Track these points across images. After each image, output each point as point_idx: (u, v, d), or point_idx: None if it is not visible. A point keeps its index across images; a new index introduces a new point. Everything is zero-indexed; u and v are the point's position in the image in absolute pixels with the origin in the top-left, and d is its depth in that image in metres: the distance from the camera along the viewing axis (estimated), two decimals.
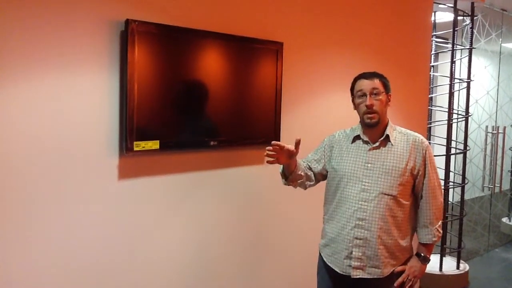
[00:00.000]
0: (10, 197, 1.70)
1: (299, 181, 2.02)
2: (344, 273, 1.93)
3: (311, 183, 2.09)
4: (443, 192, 1.98)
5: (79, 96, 1.83)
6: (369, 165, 1.92)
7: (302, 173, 2.02)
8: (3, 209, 1.69)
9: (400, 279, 1.93)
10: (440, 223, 1.94)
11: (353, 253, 1.90)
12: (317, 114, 2.75)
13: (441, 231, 1.95)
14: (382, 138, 1.93)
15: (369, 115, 1.90)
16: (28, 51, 1.70)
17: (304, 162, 2.11)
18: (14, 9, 1.66)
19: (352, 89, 2.00)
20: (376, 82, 1.92)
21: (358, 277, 1.90)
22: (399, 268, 1.93)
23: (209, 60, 2.16)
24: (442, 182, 3.82)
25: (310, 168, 2.11)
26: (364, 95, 1.91)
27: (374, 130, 1.94)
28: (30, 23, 1.70)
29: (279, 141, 2.41)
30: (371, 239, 1.88)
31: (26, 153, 1.72)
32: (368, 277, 1.90)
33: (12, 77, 1.67)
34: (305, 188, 2.09)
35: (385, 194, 1.88)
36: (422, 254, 1.96)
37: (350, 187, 1.94)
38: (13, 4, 1.66)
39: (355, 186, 1.92)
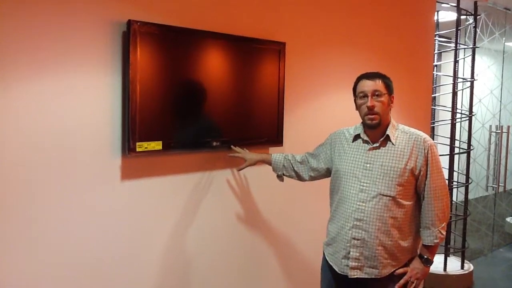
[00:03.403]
0: (12, 198, 1.70)
1: (290, 177, 2.26)
2: (342, 273, 1.93)
3: (306, 178, 2.21)
4: (448, 193, 1.94)
5: (81, 97, 1.84)
6: (368, 165, 1.90)
7: (287, 174, 2.23)
8: (6, 210, 1.69)
9: (401, 281, 1.90)
10: (444, 224, 1.90)
11: (351, 253, 1.89)
12: (320, 114, 2.75)
13: (445, 233, 1.91)
14: (382, 138, 1.91)
15: (370, 116, 1.87)
16: (30, 52, 1.70)
17: (298, 157, 2.22)
18: (16, 10, 1.66)
19: (354, 89, 1.97)
20: (378, 83, 1.89)
21: (355, 277, 1.89)
22: (400, 271, 1.91)
23: (211, 60, 2.15)
24: (446, 182, 3.81)
25: (306, 162, 2.19)
26: (366, 96, 1.88)
27: (375, 131, 1.92)
28: (32, 24, 1.70)
29: (282, 141, 2.44)
30: (369, 239, 1.86)
31: (29, 153, 1.72)
32: (366, 277, 1.89)
33: (14, 78, 1.67)
34: (302, 181, 2.24)
35: (383, 195, 1.85)
36: (425, 256, 1.92)
37: (349, 187, 1.93)
38: (15, 4, 1.66)
39: (354, 186, 1.91)
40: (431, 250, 1.92)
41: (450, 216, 4.01)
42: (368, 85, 1.89)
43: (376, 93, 1.88)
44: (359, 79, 1.96)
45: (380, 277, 1.89)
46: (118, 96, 1.93)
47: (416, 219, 1.94)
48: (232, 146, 2.24)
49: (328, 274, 2.04)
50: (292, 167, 2.21)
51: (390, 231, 1.86)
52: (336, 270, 1.96)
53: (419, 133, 1.93)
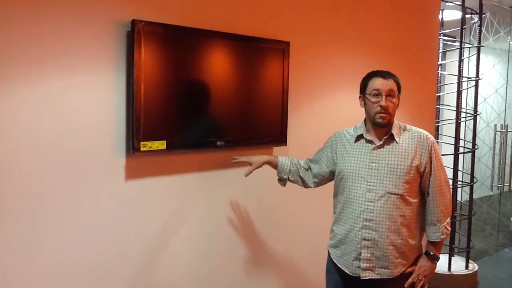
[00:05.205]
0: (17, 198, 1.71)
1: (294, 182, 2.19)
2: (353, 274, 1.92)
3: (311, 185, 2.17)
4: (450, 189, 1.95)
5: (86, 97, 1.84)
6: (374, 164, 1.90)
7: (293, 178, 2.17)
8: (10, 210, 1.69)
9: (410, 280, 1.91)
10: (448, 220, 1.91)
11: (362, 254, 1.88)
12: (324, 114, 2.74)
13: (450, 228, 1.93)
14: (386, 137, 1.90)
15: (382, 115, 1.86)
16: (35, 52, 1.71)
17: (303, 163, 2.18)
18: (20, 9, 1.67)
19: (364, 86, 1.93)
20: (392, 83, 1.88)
21: (367, 278, 1.89)
22: (409, 269, 1.92)
23: (215, 60, 2.15)
24: (451, 182, 3.80)
25: (309, 169, 2.16)
26: (380, 94, 1.86)
27: (380, 130, 1.91)
28: (35, 24, 1.70)
29: (286, 140, 2.44)
30: (380, 239, 1.86)
31: (33, 153, 1.73)
32: (378, 277, 1.88)
33: (20, 78, 1.68)
34: (306, 187, 2.19)
35: (391, 193, 1.85)
36: (431, 253, 1.93)
37: (356, 187, 1.92)
38: (19, 4, 1.66)
39: (361, 186, 1.90)
40: (437, 246, 1.93)
41: (455, 216, 4.00)
42: (383, 84, 1.87)
43: (391, 93, 1.87)
44: (371, 76, 1.92)
45: (391, 277, 1.89)
46: (122, 95, 1.93)
47: (421, 216, 1.95)
48: (233, 157, 2.18)
49: (335, 276, 2.02)
50: (298, 172, 2.16)
51: (400, 230, 1.86)
52: (347, 272, 1.94)
53: (421, 130, 1.94)
